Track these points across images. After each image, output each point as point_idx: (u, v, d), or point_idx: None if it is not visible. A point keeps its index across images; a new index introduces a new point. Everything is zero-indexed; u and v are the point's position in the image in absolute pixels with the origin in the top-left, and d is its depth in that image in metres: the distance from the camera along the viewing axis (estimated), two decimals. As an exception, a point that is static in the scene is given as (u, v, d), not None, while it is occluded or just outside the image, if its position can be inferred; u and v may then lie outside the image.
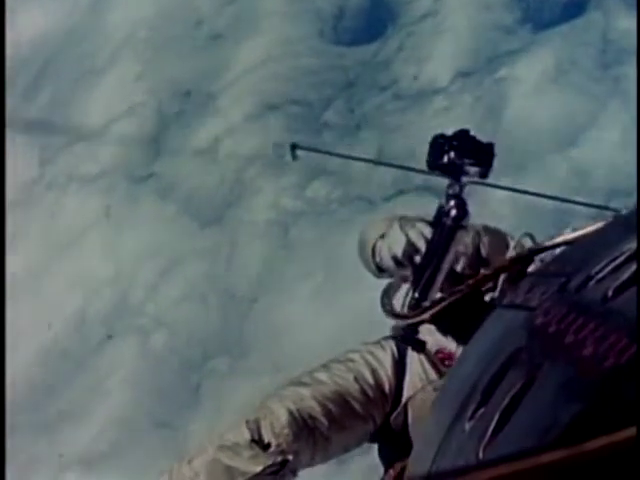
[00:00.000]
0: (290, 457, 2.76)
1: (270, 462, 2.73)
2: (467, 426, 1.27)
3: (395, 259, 2.93)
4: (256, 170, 8.40)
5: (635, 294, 1.14)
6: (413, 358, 3.10)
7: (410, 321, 2.72)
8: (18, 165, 9.12)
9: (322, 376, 3.04)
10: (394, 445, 3.05)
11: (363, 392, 3.02)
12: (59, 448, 7.31)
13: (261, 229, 8.03)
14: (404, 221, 3.06)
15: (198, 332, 7.55)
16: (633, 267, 1.21)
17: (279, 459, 2.75)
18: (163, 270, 8.05)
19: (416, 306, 2.71)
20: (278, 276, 7.66)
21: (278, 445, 2.77)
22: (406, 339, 3.08)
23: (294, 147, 3.55)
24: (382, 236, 3.09)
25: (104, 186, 8.84)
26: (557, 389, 1.08)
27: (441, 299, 2.47)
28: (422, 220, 3.05)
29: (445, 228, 2.84)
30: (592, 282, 1.31)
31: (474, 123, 8.04)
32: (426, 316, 2.55)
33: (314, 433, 2.88)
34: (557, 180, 7.66)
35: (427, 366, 3.05)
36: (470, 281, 2.44)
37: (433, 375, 3.01)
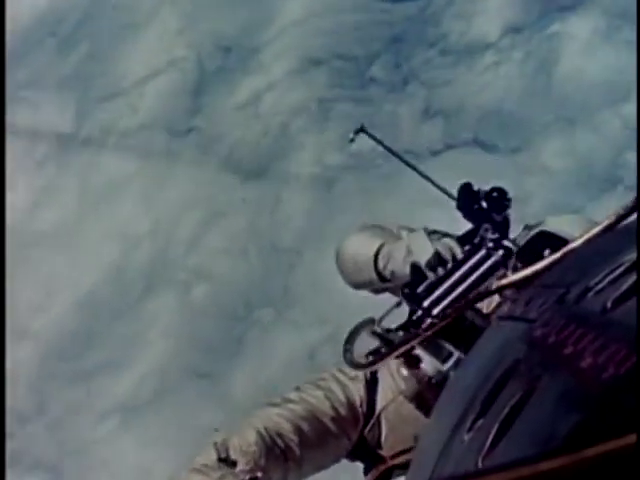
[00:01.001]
0: (259, 474, 2.74)
1: None
2: (466, 437, 1.26)
3: (415, 268, 2.77)
4: (300, 124, 8.23)
5: (634, 305, 1.11)
6: (383, 371, 3.05)
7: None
8: (53, 120, 9.00)
9: (292, 395, 3.02)
10: (372, 461, 3.04)
11: (334, 409, 2.99)
12: (98, 397, 7.19)
13: (305, 183, 7.88)
14: (425, 231, 2.97)
15: (241, 284, 7.41)
16: (632, 278, 1.20)
17: (247, 477, 2.71)
18: (204, 223, 7.91)
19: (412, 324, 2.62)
20: (322, 229, 7.50)
21: (246, 463, 2.74)
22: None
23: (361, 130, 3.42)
24: (385, 244, 3.04)
25: (143, 140, 8.69)
26: (556, 400, 1.07)
27: (427, 328, 2.37)
28: (447, 235, 2.96)
29: (489, 261, 2.69)
30: (591, 293, 1.30)
31: (525, 79, 7.87)
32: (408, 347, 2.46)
33: (285, 451, 2.85)
34: (608, 135, 7.48)
35: (397, 376, 2.97)
36: (450, 310, 2.35)
37: (403, 385, 2.93)
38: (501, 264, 2.62)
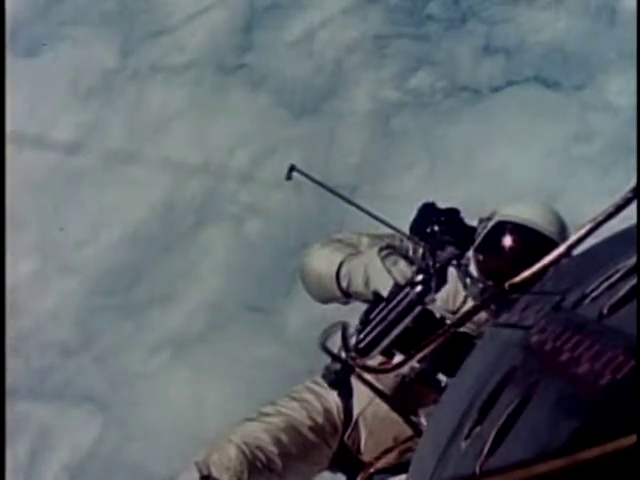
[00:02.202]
0: None
1: None
2: (463, 444, 1.26)
3: (377, 295, 2.71)
4: (355, 61, 8.03)
5: (631, 311, 1.11)
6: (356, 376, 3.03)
7: (386, 373, 2.61)
8: (98, 55, 8.80)
9: (268, 409, 3.06)
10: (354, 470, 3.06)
11: (311, 419, 3.02)
12: (148, 331, 7.05)
13: (361, 119, 7.68)
14: (380, 254, 2.90)
15: (295, 219, 7.22)
16: (628, 284, 1.20)
17: None
18: (256, 158, 7.73)
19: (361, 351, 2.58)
20: (380, 166, 7.32)
21: (229, 479, 2.78)
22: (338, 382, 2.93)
23: (292, 169, 3.32)
24: (344, 262, 3.00)
25: (191, 77, 8.50)
26: (553, 407, 1.07)
27: (410, 355, 2.29)
28: (402, 256, 2.91)
29: (407, 298, 2.60)
30: (587, 300, 1.30)
31: (587, 16, 7.63)
32: (401, 368, 2.41)
33: (267, 464, 2.88)
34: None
35: (371, 379, 2.97)
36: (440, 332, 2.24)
37: (379, 386, 2.94)
38: (416, 302, 2.55)
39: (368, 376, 2.78)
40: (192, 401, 6.62)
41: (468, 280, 2.97)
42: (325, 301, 3.23)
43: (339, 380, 2.71)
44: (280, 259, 7.05)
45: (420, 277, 2.61)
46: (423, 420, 2.89)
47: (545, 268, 1.81)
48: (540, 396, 1.13)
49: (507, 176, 6.95)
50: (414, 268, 2.72)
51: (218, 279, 7.09)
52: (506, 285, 1.92)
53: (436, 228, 3.02)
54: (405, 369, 2.54)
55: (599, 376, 1.00)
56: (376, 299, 2.66)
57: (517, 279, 1.89)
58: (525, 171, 7.01)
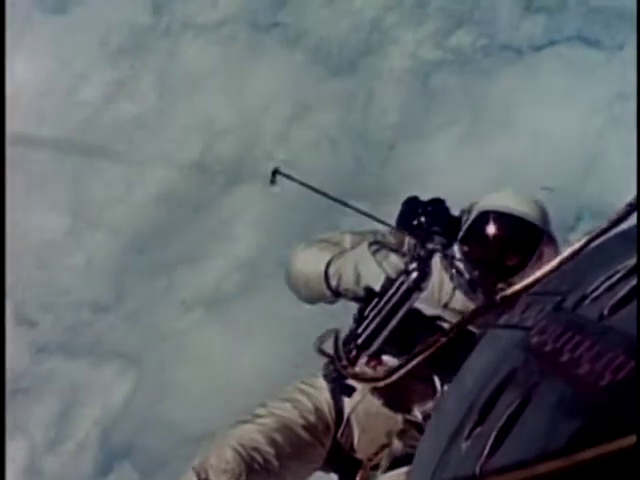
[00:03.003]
0: None
1: None
2: (464, 445, 1.26)
3: (369, 290, 2.70)
4: (393, 20, 7.86)
5: (631, 312, 1.10)
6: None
7: (378, 384, 2.50)
8: (129, 12, 8.67)
9: (260, 411, 3.05)
10: (349, 469, 3.08)
11: (304, 418, 3.04)
12: (181, 289, 6.96)
13: (399, 77, 7.53)
14: (370, 249, 2.86)
15: (331, 178, 7.08)
16: (628, 285, 1.19)
17: None
18: (291, 117, 7.60)
19: (354, 350, 2.59)
20: (418, 124, 7.18)
21: None
22: (337, 384, 3.08)
23: (275, 172, 3.28)
24: (332, 261, 2.94)
25: (224, 35, 8.36)
26: (554, 408, 1.06)
27: (408, 360, 2.15)
28: (391, 249, 2.86)
29: (403, 287, 2.59)
30: (588, 301, 1.29)
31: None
32: (394, 378, 2.26)
33: (264, 465, 2.89)
34: None
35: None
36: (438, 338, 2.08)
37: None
38: (414, 289, 2.54)
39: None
40: (225, 358, 6.54)
41: (454, 271, 3.00)
42: (312, 301, 3.19)
43: (339, 379, 2.79)
44: (317, 217, 6.92)
45: (414, 265, 2.59)
46: (418, 413, 2.83)
47: (537, 281, 1.71)
48: (541, 397, 1.13)
49: (548, 135, 6.81)
50: (405, 260, 2.69)
51: (252, 237, 6.98)
52: (497, 297, 1.82)
53: (422, 219, 3.06)
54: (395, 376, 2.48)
55: (599, 377, 0.99)
56: (369, 295, 2.65)
57: (509, 291, 1.80)
58: (566, 130, 6.87)
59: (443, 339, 1.99)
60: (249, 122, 7.64)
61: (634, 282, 1.21)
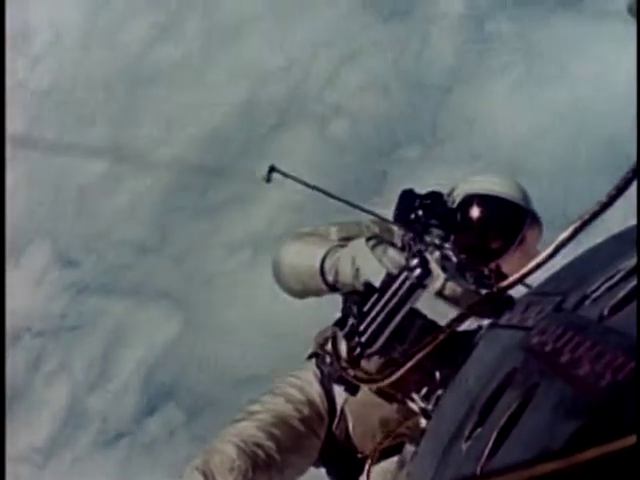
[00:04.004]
0: None
1: None
2: (464, 446, 1.27)
3: (368, 286, 2.53)
4: (447, -36, 7.67)
5: (632, 312, 1.10)
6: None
7: (380, 384, 2.36)
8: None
9: (254, 407, 2.95)
10: (342, 461, 3.06)
11: (298, 410, 2.97)
12: (228, 231, 6.85)
13: (454, 22, 7.35)
14: (368, 243, 2.68)
15: (384, 121, 6.96)
16: (629, 285, 1.19)
17: None
18: (341, 60, 7.44)
19: (358, 348, 2.43)
20: (473, 69, 7.03)
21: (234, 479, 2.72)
22: (336, 378, 2.80)
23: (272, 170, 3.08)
24: (327, 256, 2.75)
25: (272, -23, 8.18)
26: (554, 408, 1.05)
27: (409, 357, 2.08)
28: (390, 244, 2.69)
29: (406, 283, 2.40)
30: (588, 301, 1.29)
31: None
32: (394, 378, 2.17)
33: (267, 460, 2.82)
34: None
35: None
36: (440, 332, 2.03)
37: None
38: (417, 285, 2.35)
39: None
40: (272, 300, 6.41)
41: (442, 256, 2.85)
42: (303, 296, 3.05)
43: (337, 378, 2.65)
44: (369, 160, 6.81)
45: (415, 261, 2.41)
46: (414, 401, 2.70)
47: (534, 269, 1.67)
48: (541, 397, 1.12)
49: (605, 81, 6.65)
50: (405, 255, 2.57)
51: (302, 179, 6.84)
52: (495, 289, 1.81)
53: (420, 213, 2.88)
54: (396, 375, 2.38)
55: (600, 377, 0.99)
56: (368, 290, 2.49)
57: (505, 283, 1.76)
58: (624, 76, 6.68)
59: (441, 335, 1.91)
60: (297, 66, 7.49)
61: (634, 283, 1.19)
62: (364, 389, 2.77)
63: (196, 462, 2.74)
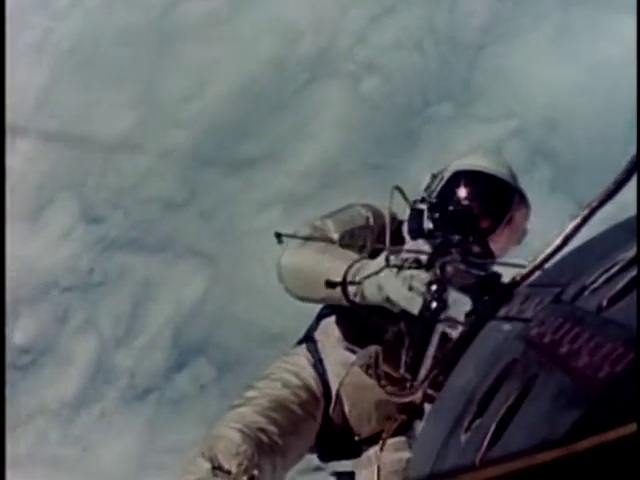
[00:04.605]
0: (255, 472, 2.72)
1: None
2: (463, 437, 1.27)
3: (405, 314, 2.48)
4: None
5: (630, 303, 1.11)
6: (325, 349, 3.08)
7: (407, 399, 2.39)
8: None
9: (251, 393, 3.00)
10: (337, 445, 3.08)
11: (295, 395, 3.01)
12: (258, 188, 6.79)
13: (489, -21, 7.25)
14: (392, 270, 2.57)
15: (416, 79, 6.88)
16: (627, 277, 1.19)
17: (245, 478, 2.69)
18: (372, 18, 7.35)
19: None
20: (507, 25, 6.93)
21: (240, 465, 2.71)
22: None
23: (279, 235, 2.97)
24: (346, 277, 2.71)
25: None
26: (553, 399, 1.07)
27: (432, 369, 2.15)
28: (417, 265, 2.55)
29: (425, 320, 2.39)
30: (587, 292, 1.30)
31: None
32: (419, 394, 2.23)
33: (271, 445, 2.84)
34: None
35: (341, 351, 2.99)
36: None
37: (352, 357, 2.88)
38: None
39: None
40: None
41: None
42: (311, 302, 3.08)
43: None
44: (401, 118, 6.74)
45: (434, 288, 2.36)
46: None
47: (556, 251, 1.63)
48: (540, 389, 1.13)
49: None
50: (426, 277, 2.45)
51: (334, 136, 6.78)
52: (518, 277, 1.76)
53: (431, 225, 2.99)
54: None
55: (598, 368, 0.99)
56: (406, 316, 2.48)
57: (530, 267, 1.71)
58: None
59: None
60: (327, 22, 7.41)
61: (633, 274, 1.19)
62: (359, 372, 2.77)
63: (200, 449, 2.74)
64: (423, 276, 2.43)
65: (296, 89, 7.16)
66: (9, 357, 6.46)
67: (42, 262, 7.04)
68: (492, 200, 3.04)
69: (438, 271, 2.34)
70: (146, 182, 7.13)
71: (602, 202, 1.54)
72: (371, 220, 3.16)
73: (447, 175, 3.03)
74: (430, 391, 2.32)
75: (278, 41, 7.44)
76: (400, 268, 2.51)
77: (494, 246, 3.14)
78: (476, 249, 2.95)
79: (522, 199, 3.11)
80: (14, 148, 7.32)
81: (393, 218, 3.07)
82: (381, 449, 2.64)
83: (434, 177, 3.12)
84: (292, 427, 2.92)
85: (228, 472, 2.69)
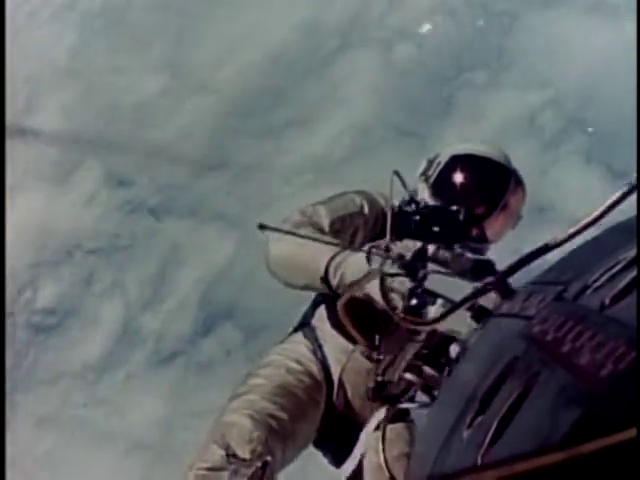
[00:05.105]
0: (269, 458, 2.75)
1: (252, 470, 2.70)
2: (465, 434, 1.27)
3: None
4: None
5: (633, 302, 1.11)
6: (325, 335, 3.15)
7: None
8: None
9: (256, 380, 3.06)
10: (339, 431, 3.11)
11: (299, 380, 3.07)
12: (289, 153, 6.73)
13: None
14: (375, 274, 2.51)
15: (449, 46, 6.81)
16: (630, 275, 1.19)
17: (259, 464, 2.72)
18: (406, -16, 7.27)
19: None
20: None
21: (253, 451, 2.74)
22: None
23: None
24: (329, 269, 2.78)
25: None
26: (555, 397, 1.08)
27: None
28: (400, 264, 2.45)
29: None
30: (589, 290, 1.30)
31: None
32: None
33: (280, 430, 2.88)
34: None
35: (341, 340, 3.06)
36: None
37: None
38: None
39: None
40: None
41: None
42: (295, 288, 3.16)
43: None
44: (433, 85, 6.67)
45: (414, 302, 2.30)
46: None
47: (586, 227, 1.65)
48: (541, 386, 1.13)
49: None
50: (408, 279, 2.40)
51: (366, 102, 6.70)
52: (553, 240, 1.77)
53: (417, 218, 3.04)
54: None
55: (601, 367, 0.99)
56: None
57: (564, 235, 1.73)
58: None
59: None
60: (360, -13, 7.33)
61: (635, 273, 1.19)
62: (359, 358, 2.77)
63: (212, 437, 2.81)
64: (405, 281, 2.39)
65: (328, 55, 7.09)
66: (33, 318, 6.46)
67: (64, 226, 7.00)
68: (488, 184, 3.07)
69: (419, 282, 2.30)
70: (175, 146, 7.08)
71: (617, 202, 1.54)
72: (365, 208, 3.17)
73: (445, 159, 3.04)
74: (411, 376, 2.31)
75: (310, 7, 7.37)
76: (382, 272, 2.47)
77: (489, 231, 3.16)
78: (474, 232, 2.96)
79: (518, 183, 3.12)
80: (40, 110, 7.30)
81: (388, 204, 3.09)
82: (383, 438, 2.58)
83: (430, 162, 3.24)
84: (299, 412, 2.99)
85: (243, 459, 2.71)
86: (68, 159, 7.25)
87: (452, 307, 1.97)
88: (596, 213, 1.61)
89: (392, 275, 2.40)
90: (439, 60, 6.74)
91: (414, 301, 2.24)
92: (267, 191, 6.66)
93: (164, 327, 6.45)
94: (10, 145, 6.67)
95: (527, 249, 1.74)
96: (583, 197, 5.58)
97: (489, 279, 1.79)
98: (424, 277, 2.30)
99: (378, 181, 6.22)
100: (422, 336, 2.28)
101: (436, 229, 3.09)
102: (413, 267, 2.36)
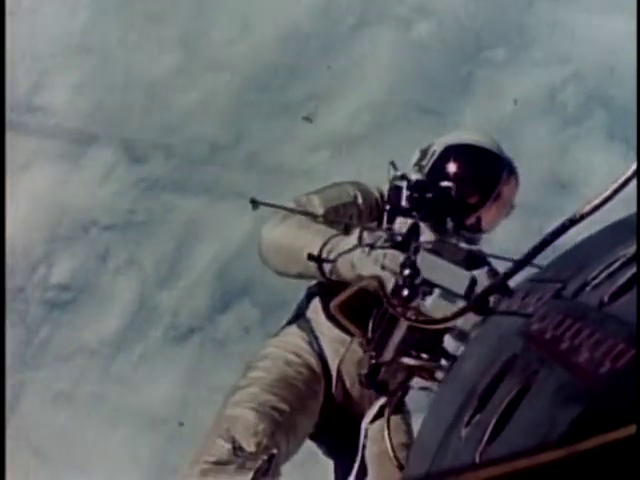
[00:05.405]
0: (275, 451, 2.75)
1: (259, 463, 2.69)
2: (463, 432, 1.26)
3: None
4: None
5: (631, 300, 1.10)
6: (321, 327, 3.13)
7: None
8: None
9: (256, 373, 3.05)
10: (337, 423, 3.10)
11: (298, 372, 3.05)
12: (306, 129, 6.70)
13: None
14: (363, 250, 2.53)
15: (468, 22, 6.76)
16: (629, 272, 1.19)
17: (265, 457, 2.71)
18: (425, -40, 7.21)
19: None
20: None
21: (259, 444, 2.73)
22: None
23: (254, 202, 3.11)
24: (321, 254, 2.72)
25: None
26: (553, 395, 1.07)
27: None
28: (388, 245, 2.49)
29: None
30: (588, 288, 1.28)
31: None
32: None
33: (283, 422, 2.87)
34: None
35: (337, 331, 3.04)
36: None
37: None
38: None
39: None
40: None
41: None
42: (289, 276, 3.09)
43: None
44: (452, 62, 6.63)
45: (407, 272, 2.27)
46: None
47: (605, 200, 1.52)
48: (540, 384, 1.12)
49: None
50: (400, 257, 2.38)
51: (385, 79, 6.67)
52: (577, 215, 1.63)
53: (408, 193, 3.06)
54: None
55: (599, 364, 0.99)
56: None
57: (584, 210, 1.64)
58: None
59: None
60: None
61: (634, 270, 1.18)
62: (357, 349, 2.84)
63: (216, 430, 2.79)
64: (396, 255, 2.38)
65: (345, 32, 7.05)
66: (47, 294, 6.43)
67: (79, 202, 6.96)
68: (482, 174, 3.07)
69: (412, 254, 2.27)
70: (190, 123, 7.04)
71: (614, 192, 1.45)
72: (359, 199, 3.15)
73: (439, 149, 3.11)
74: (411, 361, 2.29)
75: (326, -15, 7.32)
76: (372, 247, 2.49)
77: (483, 221, 3.15)
78: (470, 221, 2.96)
79: (511, 173, 3.12)
80: (55, 85, 7.25)
81: (381, 196, 3.10)
82: (388, 426, 2.55)
83: (424, 153, 3.22)
84: (300, 404, 2.98)
85: (249, 453, 2.70)
86: (84, 136, 7.20)
87: (465, 307, 1.94)
88: (615, 186, 1.49)
89: (383, 247, 2.44)
90: (459, 37, 6.71)
91: (407, 271, 2.23)
92: (284, 168, 6.63)
93: (181, 303, 6.42)
94: (24, 122, 6.65)
95: (549, 227, 1.70)
96: (605, 174, 5.56)
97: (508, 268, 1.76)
98: (417, 249, 2.28)
99: (396, 158, 6.23)
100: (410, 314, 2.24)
101: (428, 197, 3.07)
102: (405, 242, 2.37)
